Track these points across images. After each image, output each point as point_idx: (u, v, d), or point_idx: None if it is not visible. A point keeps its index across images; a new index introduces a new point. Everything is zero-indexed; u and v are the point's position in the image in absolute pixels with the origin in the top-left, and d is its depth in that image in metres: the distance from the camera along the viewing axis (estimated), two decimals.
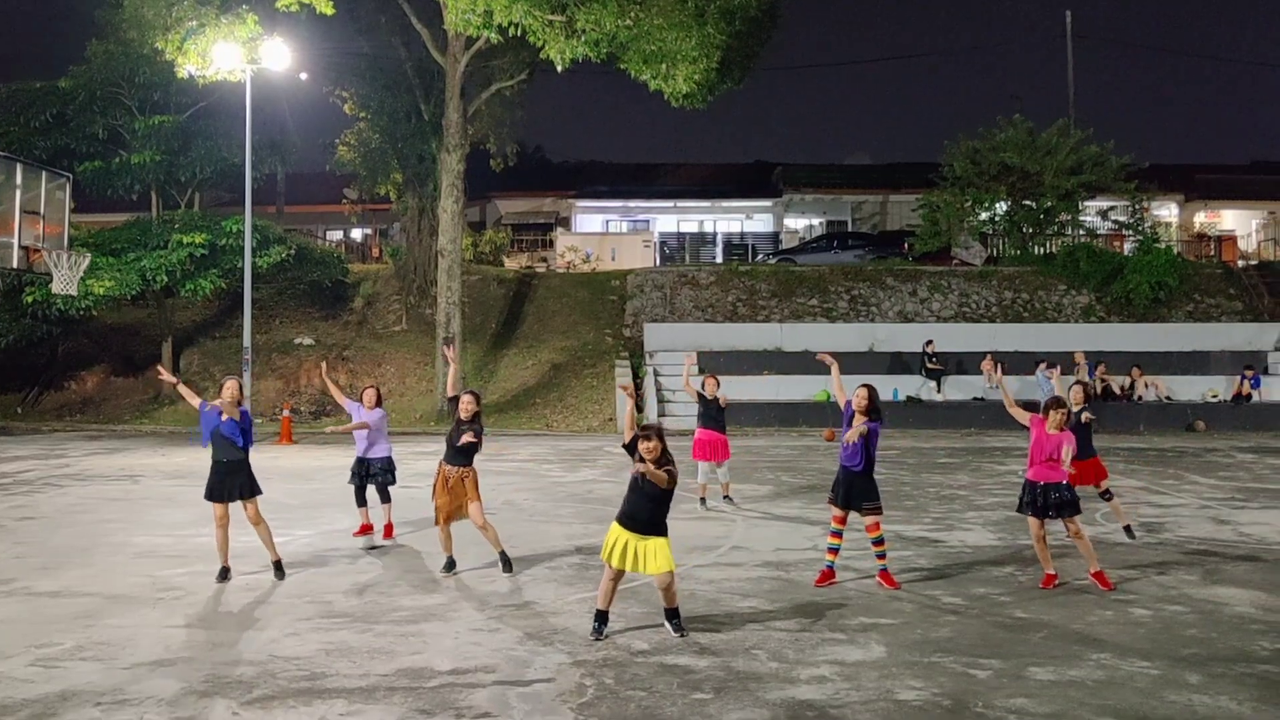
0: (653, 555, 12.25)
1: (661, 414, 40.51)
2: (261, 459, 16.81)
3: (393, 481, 19.33)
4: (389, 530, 19.00)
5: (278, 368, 46.72)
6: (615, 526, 12.41)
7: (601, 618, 12.57)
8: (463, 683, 10.86)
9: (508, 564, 16.09)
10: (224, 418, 15.42)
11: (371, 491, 19.21)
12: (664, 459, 12.23)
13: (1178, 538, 19.13)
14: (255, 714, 10.00)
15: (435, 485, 16.07)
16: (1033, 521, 15.08)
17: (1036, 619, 13.32)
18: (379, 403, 19.47)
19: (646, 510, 12.30)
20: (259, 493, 15.86)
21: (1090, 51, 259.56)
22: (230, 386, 15.67)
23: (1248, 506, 22.84)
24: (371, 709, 10.12)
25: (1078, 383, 19.76)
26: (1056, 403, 15.33)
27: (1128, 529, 18.99)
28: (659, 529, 12.35)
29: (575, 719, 9.89)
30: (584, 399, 43.84)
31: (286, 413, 38.60)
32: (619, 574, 12.44)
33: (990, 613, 13.68)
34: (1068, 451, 14.83)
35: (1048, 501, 14.87)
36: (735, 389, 40.74)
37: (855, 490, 15.03)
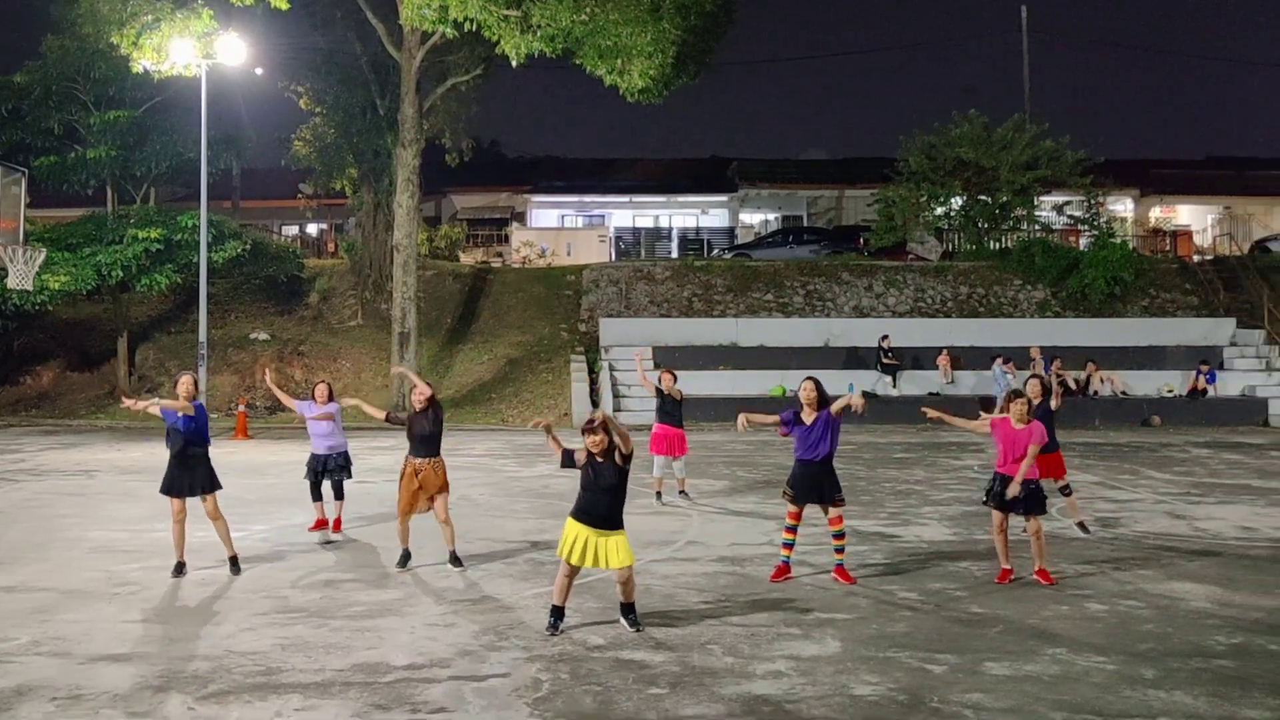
0: (613, 550, 12.28)
1: (617, 409, 40.50)
2: (217, 454, 16.73)
3: (349, 476, 19.33)
4: (338, 524, 19.01)
5: (233, 363, 46.58)
6: (572, 523, 12.40)
7: (558, 613, 12.59)
8: (418, 678, 10.89)
9: (457, 562, 16.14)
10: (179, 414, 15.39)
11: (326, 486, 19.19)
12: (611, 446, 12.28)
13: (1134, 533, 19.23)
14: (211, 709, 10.01)
15: (402, 477, 16.13)
16: (997, 515, 15.14)
17: (992, 614, 13.39)
18: (331, 397, 19.46)
19: (604, 504, 12.30)
20: (218, 487, 15.88)
21: (1046, 47, 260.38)
22: (185, 382, 15.67)
23: (1203, 501, 22.97)
24: (327, 704, 10.14)
25: (1033, 376, 19.85)
26: (1015, 394, 15.41)
27: (1082, 525, 19.08)
28: (617, 523, 12.40)
29: (531, 714, 9.91)
30: (540, 394, 43.84)
31: (242, 408, 38.52)
32: (575, 570, 12.47)
33: (946, 608, 13.75)
34: (1033, 450, 14.90)
35: (1015, 496, 14.92)
36: (691, 384, 40.68)
37: (826, 484, 15.04)
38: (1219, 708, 10.09)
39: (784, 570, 15.36)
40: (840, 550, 15.25)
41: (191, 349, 44.39)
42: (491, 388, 44.71)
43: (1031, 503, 14.95)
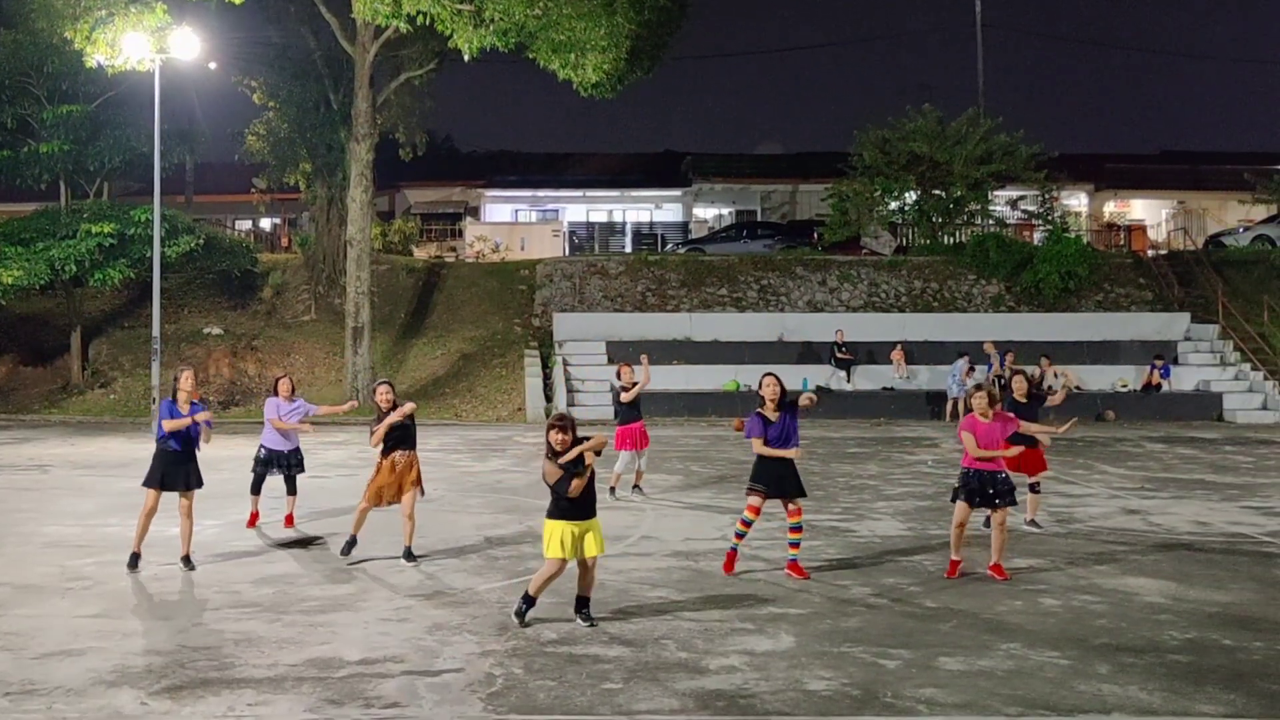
0: (593, 537, 12.46)
1: (570, 404, 40.48)
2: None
3: (301, 471, 19.36)
4: (289, 520, 19.06)
5: (186, 357, 46.21)
6: (552, 523, 12.47)
7: (529, 602, 12.64)
8: (372, 673, 10.92)
9: (411, 557, 16.18)
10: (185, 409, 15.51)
11: (277, 481, 19.20)
12: (575, 444, 12.33)
13: (1088, 528, 19.37)
14: (164, 704, 10.02)
15: (379, 468, 16.16)
16: (961, 508, 15.18)
17: (946, 609, 13.48)
18: (294, 392, 19.53)
19: (590, 492, 12.47)
20: (202, 484, 15.97)
21: (1000, 41, 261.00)
22: (187, 378, 15.79)
23: (1157, 496, 23.16)
24: (280, 699, 10.16)
25: (1017, 373, 19.88)
26: (976, 388, 15.46)
27: (1033, 521, 19.12)
28: (594, 510, 12.56)
29: (485, 709, 9.96)
30: (493, 389, 43.80)
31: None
32: (564, 566, 12.50)
33: (900, 603, 13.83)
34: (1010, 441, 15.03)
35: (984, 491, 15.00)
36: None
37: (790, 478, 15.09)
38: (1173, 702, 10.20)
39: (733, 557, 15.44)
40: (796, 545, 15.32)
41: (144, 344, 44.19)
42: (445, 383, 44.64)
43: (1003, 496, 15.03)
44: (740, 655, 11.54)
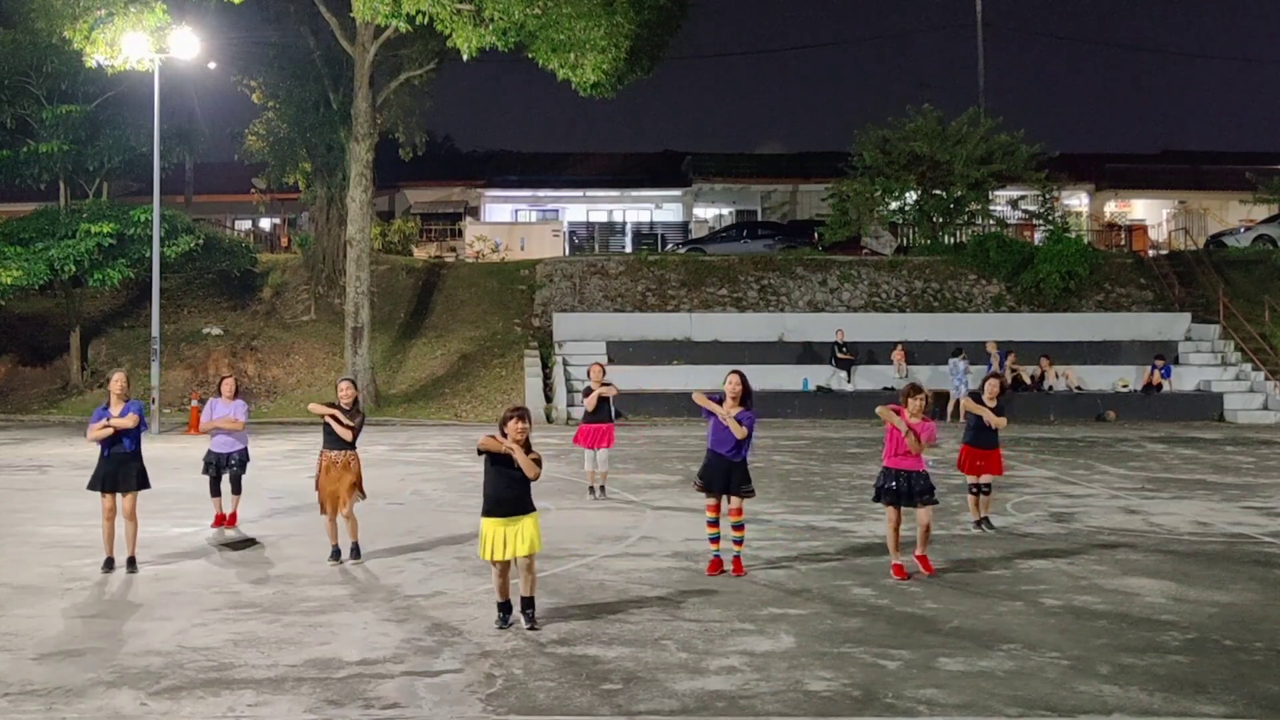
0: (519, 535, 12.35)
1: (570, 404, 40.47)
2: (170, 449, 16.82)
3: (245, 471, 19.55)
4: (233, 519, 19.28)
5: (186, 357, 46.35)
6: (485, 523, 12.47)
7: (505, 608, 12.62)
8: (371, 673, 10.90)
9: (356, 553, 16.31)
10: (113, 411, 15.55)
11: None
12: (527, 439, 12.32)
13: (1088, 528, 19.33)
14: (163, 704, 10.00)
15: (318, 473, 16.16)
16: (892, 511, 15.34)
17: (947, 609, 13.44)
18: (237, 394, 19.61)
19: (514, 490, 12.40)
20: (147, 486, 15.98)
21: (1000, 40, 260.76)
22: (118, 380, 15.86)
23: (1158, 496, 23.10)
24: (280, 699, 10.14)
25: (992, 375, 19.88)
26: (914, 389, 15.54)
27: (985, 521, 19.01)
28: (527, 507, 12.47)
29: (484, 710, 9.94)
30: (493, 389, 43.75)
31: (195, 403, 38.28)
32: (505, 566, 12.48)
33: (900, 603, 13.80)
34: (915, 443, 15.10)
35: (911, 490, 15.15)
36: (645, 379, 40.97)
37: (735, 475, 15.14)
38: (1173, 703, 10.17)
39: (719, 564, 15.49)
40: (739, 542, 15.40)
41: (144, 344, 44.18)
42: (444, 383, 44.61)
43: (926, 494, 15.26)
44: (740, 656, 11.52)
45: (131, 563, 15.74)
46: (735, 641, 12.03)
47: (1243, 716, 9.91)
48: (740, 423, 14.83)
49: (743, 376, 15.21)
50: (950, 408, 40.46)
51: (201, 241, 47.19)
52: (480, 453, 12.39)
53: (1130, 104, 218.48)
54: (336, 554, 16.24)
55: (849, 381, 43.77)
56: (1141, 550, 17.29)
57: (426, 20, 37.12)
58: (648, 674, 10.87)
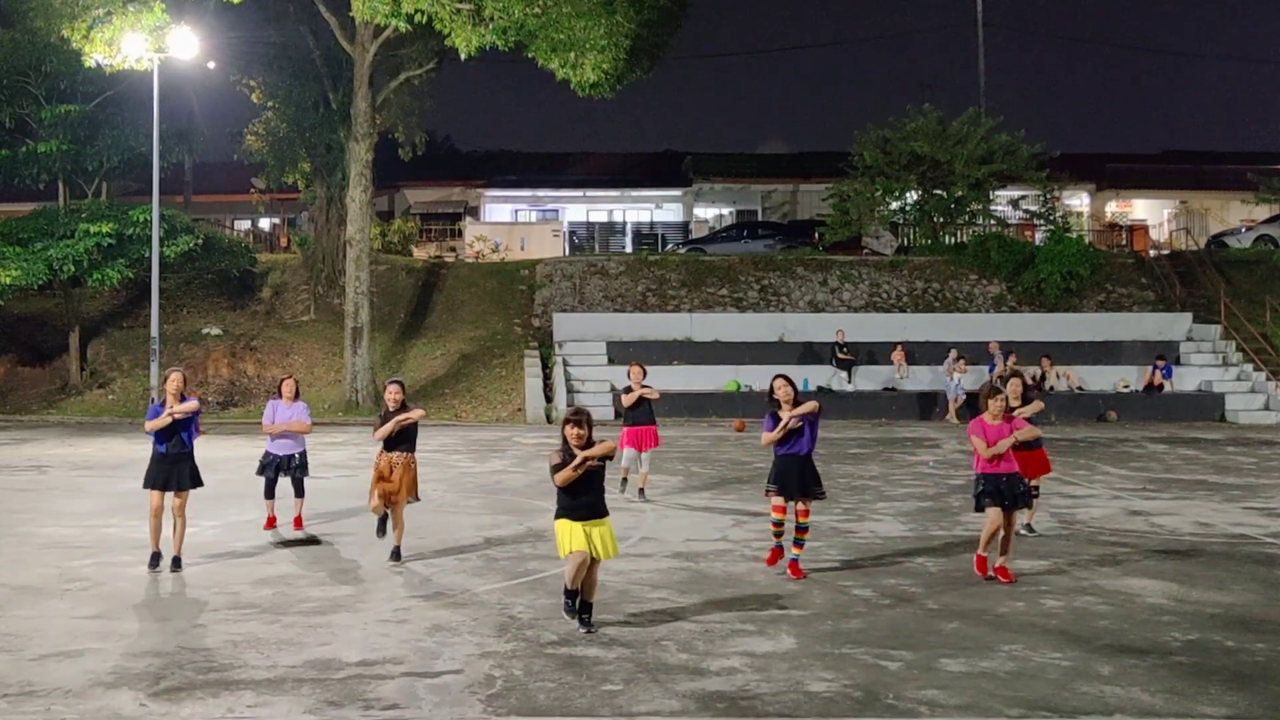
0: (604, 538, 12.40)
1: (570, 404, 40.43)
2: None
3: (307, 474, 19.27)
4: (299, 522, 18.92)
5: (185, 358, 46.27)
6: (567, 523, 12.35)
7: (574, 595, 12.54)
8: (371, 674, 10.89)
9: (396, 555, 16.29)
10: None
11: (284, 483, 19.10)
12: (591, 442, 12.30)
13: (1090, 528, 19.32)
14: (163, 705, 9.99)
15: (376, 471, 16.21)
16: (995, 513, 14.89)
17: (948, 610, 13.43)
18: (298, 395, 19.42)
19: (594, 492, 12.42)
20: (200, 484, 16.06)
21: (1001, 40, 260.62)
22: (174, 379, 15.79)
23: (1159, 497, 23.09)
24: (279, 700, 10.13)
25: (1014, 375, 19.78)
26: (994, 391, 15.39)
27: (1029, 527, 18.97)
28: (604, 510, 12.53)
29: (484, 711, 9.92)
30: (493, 389, 43.75)
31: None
32: (587, 557, 12.34)
33: (901, 604, 13.79)
34: (1009, 440, 14.97)
35: (1014, 492, 14.94)
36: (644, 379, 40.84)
37: (808, 476, 15.21)
38: (1175, 704, 10.16)
39: (779, 554, 15.47)
40: (800, 545, 15.26)
41: (143, 344, 44.19)
42: (445, 383, 44.60)
43: (1024, 498, 15.11)
44: (741, 656, 11.50)
45: (176, 562, 15.73)
46: (736, 642, 12.02)
47: (1244, 717, 9.89)
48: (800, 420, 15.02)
49: (789, 378, 15.27)
50: (951, 407, 40.50)
51: (201, 241, 47.17)
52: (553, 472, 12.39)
53: (1131, 104, 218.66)
54: (382, 525, 16.55)
55: (849, 382, 43.71)
56: (1143, 551, 17.27)
57: (426, 20, 37.13)
58: (648, 675, 10.86)
